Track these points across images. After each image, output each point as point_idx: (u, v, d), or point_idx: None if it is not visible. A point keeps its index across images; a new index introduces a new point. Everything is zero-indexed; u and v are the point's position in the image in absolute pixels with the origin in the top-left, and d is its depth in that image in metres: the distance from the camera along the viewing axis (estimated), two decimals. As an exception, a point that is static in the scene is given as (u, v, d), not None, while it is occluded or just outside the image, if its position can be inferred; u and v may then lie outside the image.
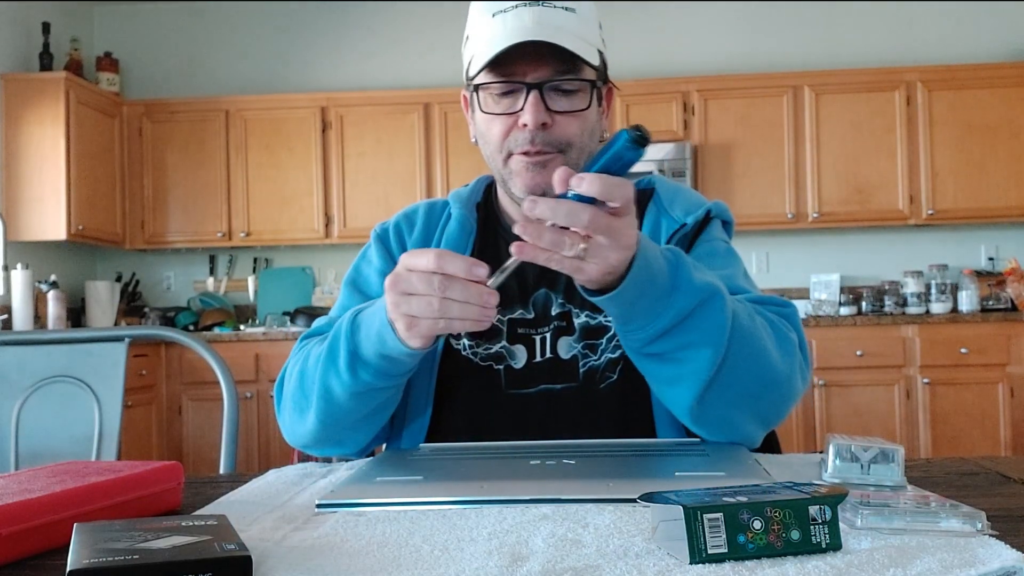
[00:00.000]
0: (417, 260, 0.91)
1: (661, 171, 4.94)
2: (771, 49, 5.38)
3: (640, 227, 1.24)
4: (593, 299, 0.94)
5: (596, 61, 1.15)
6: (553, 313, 1.21)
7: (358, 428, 1.13)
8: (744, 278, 1.20)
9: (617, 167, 0.85)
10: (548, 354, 1.19)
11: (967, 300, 4.89)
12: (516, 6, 1.12)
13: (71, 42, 5.22)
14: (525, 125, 1.12)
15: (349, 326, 1.05)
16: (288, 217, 5.25)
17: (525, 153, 1.15)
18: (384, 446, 1.24)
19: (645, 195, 1.28)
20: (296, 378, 1.15)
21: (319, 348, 1.12)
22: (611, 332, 1.18)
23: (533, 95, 1.12)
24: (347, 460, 1.15)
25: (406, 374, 1.08)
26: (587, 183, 0.84)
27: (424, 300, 0.91)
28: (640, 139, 0.83)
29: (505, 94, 1.15)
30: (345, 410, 1.09)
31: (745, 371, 1.01)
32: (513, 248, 0.86)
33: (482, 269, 0.88)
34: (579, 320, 1.20)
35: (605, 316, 1.19)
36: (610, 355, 1.17)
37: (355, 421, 1.11)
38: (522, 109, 1.13)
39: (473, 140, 1.24)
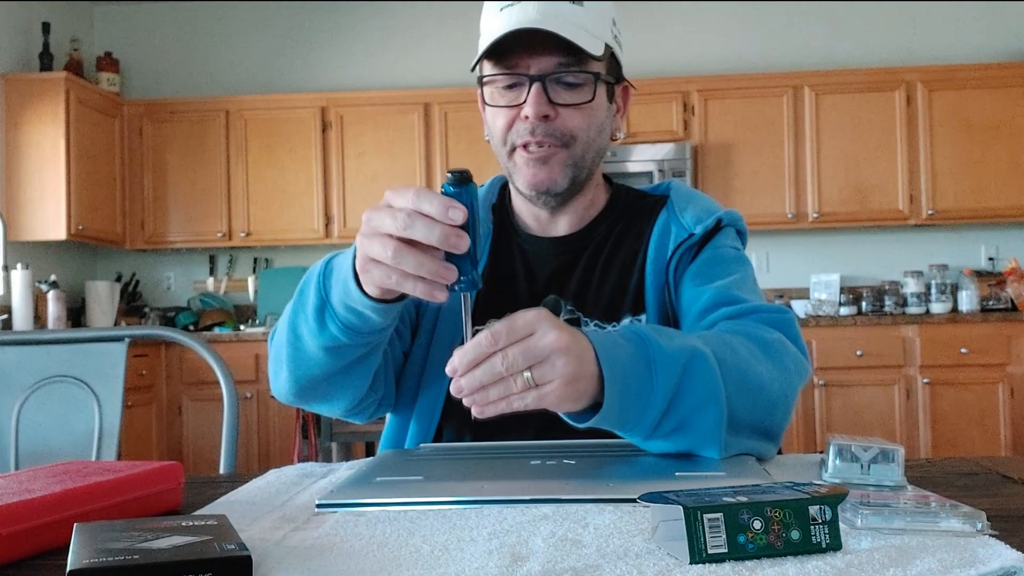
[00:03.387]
0: (396, 197, 0.84)
1: (661, 171, 4.94)
2: (771, 49, 5.38)
3: (651, 231, 1.24)
4: (584, 424, 0.89)
5: (600, 53, 1.13)
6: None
7: (334, 384, 1.08)
8: (744, 286, 1.17)
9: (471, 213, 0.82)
10: None
11: (967, 300, 4.89)
12: None
13: (71, 42, 5.22)
14: (527, 117, 1.13)
15: (323, 269, 1.00)
16: (288, 217, 5.25)
17: (527, 146, 1.15)
18: (382, 444, 1.24)
19: (660, 201, 1.27)
20: (282, 324, 1.10)
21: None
22: None
23: (535, 87, 1.12)
24: (347, 460, 1.15)
25: (374, 334, 1.01)
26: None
27: (383, 242, 0.83)
28: (456, 178, 0.83)
29: (509, 87, 1.15)
30: (315, 362, 1.04)
31: (747, 408, 0.98)
32: (475, 413, 0.84)
33: (458, 213, 0.80)
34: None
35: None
36: None
37: (327, 376, 1.06)
38: (525, 101, 1.13)
39: (486, 138, 1.23)
